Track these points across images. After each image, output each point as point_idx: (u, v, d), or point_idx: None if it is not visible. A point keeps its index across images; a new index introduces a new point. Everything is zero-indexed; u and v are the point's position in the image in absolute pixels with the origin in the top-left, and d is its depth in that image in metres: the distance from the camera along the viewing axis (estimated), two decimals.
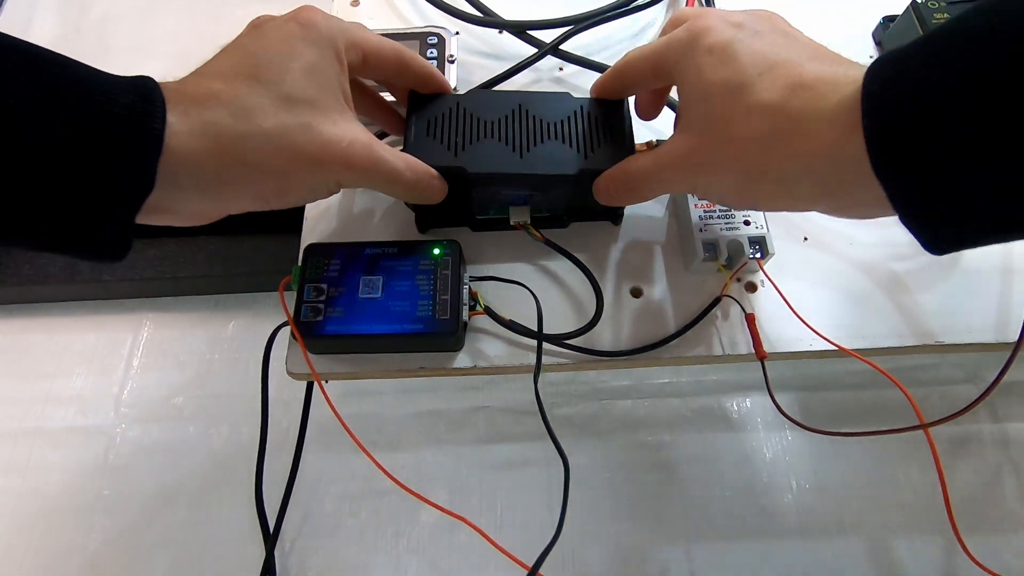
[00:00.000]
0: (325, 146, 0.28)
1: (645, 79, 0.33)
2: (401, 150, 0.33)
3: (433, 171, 0.33)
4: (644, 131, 0.39)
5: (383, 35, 0.43)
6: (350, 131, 0.29)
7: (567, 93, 0.36)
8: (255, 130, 0.26)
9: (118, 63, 0.68)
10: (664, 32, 0.31)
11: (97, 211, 0.22)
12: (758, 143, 0.26)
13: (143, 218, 0.25)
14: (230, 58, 0.28)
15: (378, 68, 0.33)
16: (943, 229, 0.22)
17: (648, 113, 0.36)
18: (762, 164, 0.26)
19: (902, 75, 0.22)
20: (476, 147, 0.34)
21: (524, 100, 0.35)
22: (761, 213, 0.36)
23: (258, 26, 0.30)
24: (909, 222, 0.23)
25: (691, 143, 0.29)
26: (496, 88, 0.43)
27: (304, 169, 0.28)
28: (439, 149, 0.33)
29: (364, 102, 0.36)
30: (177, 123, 0.24)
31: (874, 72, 0.23)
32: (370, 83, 0.36)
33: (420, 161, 0.32)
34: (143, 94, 0.24)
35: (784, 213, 0.39)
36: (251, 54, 0.27)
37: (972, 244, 0.23)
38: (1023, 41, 0.19)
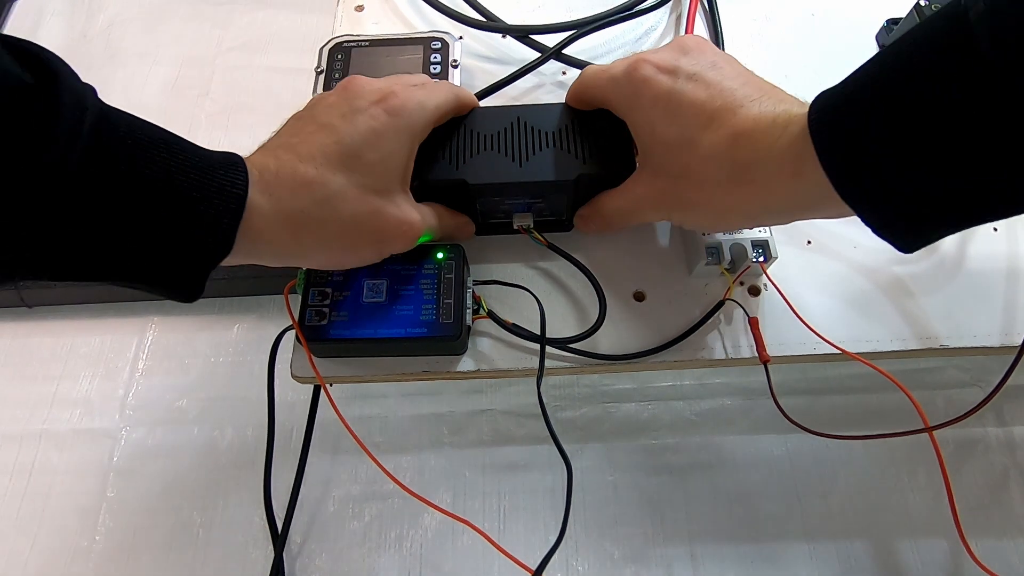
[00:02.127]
0: (388, 229, 0.31)
1: (601, 107, 0.35)
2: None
3: (464, 219, 0.37)
4: None
5: (386, 40, 0.43)
6: (408, 213, 0.32)
7: (564, 103, 0.37)
8: (335, 217, 0.29)
9: (125, 68, 0.69)
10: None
11: (182, 265, 0.26)
12: (721, 187, 0.29)
13: (225, 264, 0.28)
14: (322, 137, 0.30)
15: (443, 121, 0.36)
16: (908, 229, 0.25)
17: None
18: (728, 203, 0.30)
19: (838, 110, 0.25)
20: (476, 159, 0.34)
21: (522, 112, 0.36)
22: None
23: (350, 100, 0.31)
24: (877, 226, 0.25)
25: (660, 186, 0.32)
26: (499, 92, 0.43)
27: (366, 245, 0.32)
28: (441, 164, 0.34)
29: None
30: (266, 206, 0.27)
31: (817, 112, 0.25)
32: None
33: (448, 212, 0.36)
34: (231, 171, 0.27)
35: None
36: (342, 140, 0.30)
37: (933, 237, 0.25)
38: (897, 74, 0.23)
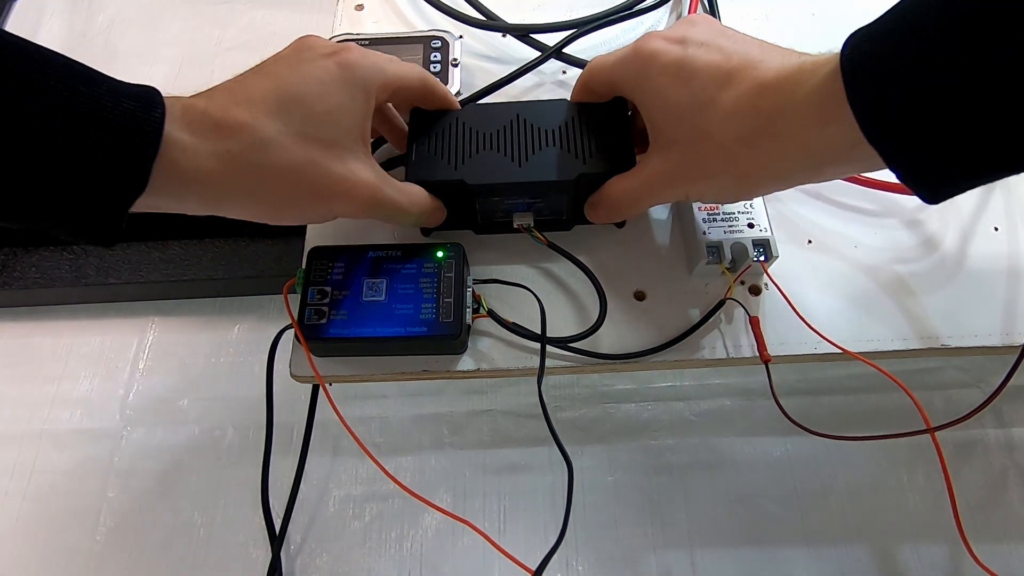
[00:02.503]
0: (328, 184, 0.29)
1: (609, 95, 0.34)
2: (404, 168, 0.35)
3: (436, 202, 0.35)
4: (641, 135, 0.39)
5: (386, 38, 0.43)
6: (357, 171, 0.30)
7: (564, 100, 0.36)
8: (266, 162, 0.28)
9: (124, 67, 0.69)
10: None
11: (91, 201, 0.24)
12: (744, 145, 0.27)
13: (141, 209, 0.26)
14: (263, 82, 0.29)
15: (404, 99, 0.35)
16: (938, 172, 0.24)
17: None
18: (752, 163, 0.28)
19: (876, 47, 0.23)
20: (475, 159, 0.34)
21: (521, 110, 0.36)
22: (765, 215, 0.36)
23: (301, 52, 0.31)
24: (906, 174, 0.24)
25: (674, 158, 0.30)
26: (499, 91, 0.43)
27: (303, 201, 0.30)
28: (440, 164, 0.34)
29: (383, 126, 0.38)
30: (190, 144, 0.26)
31: (852, 50, 0.24)
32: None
33: (424, 193, 0.34)
34: (145, 102, 0.25)
35: (787, 217, 0.39)
36: (283, 86, 0.29)
37: (964, 187, 0.24)
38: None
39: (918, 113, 0.22)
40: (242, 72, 0.30)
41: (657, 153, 0.31)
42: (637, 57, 0.30)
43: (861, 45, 0.24)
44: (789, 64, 0.27)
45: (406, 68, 0.33)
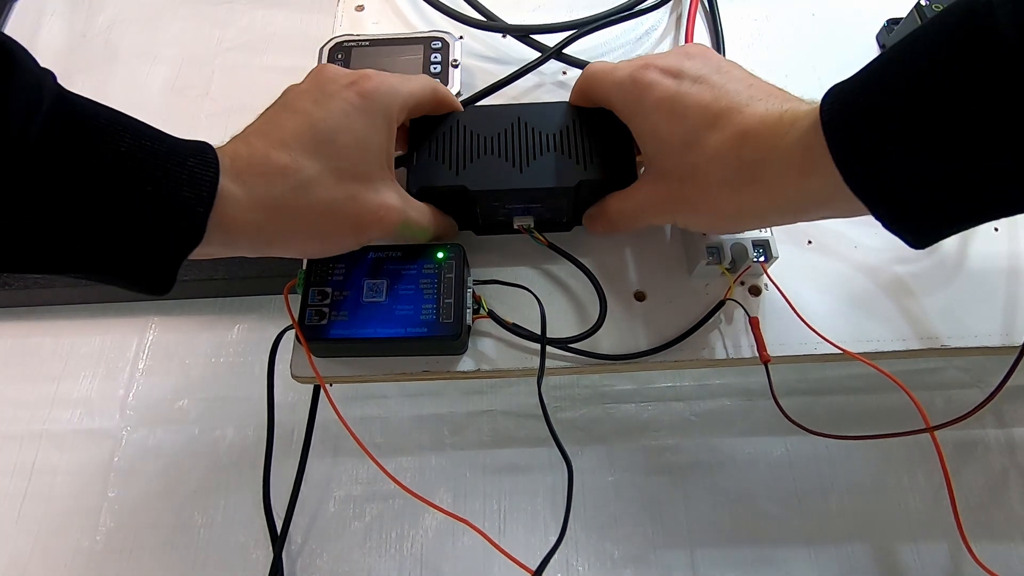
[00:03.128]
0: (366, 215, 0.31)
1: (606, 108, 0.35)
2: (406, 173, 0.35)
3: (447, 219, 0.36)
4: None
5: (386, 39, 0.43)
6: (388, 199, 0.31)
7: (564, 102, 0.36)
8: (310, 203, 0.29)
9: (125, 68, 0.69)
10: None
11: (151, 257, 0.25)
12: (728, 187, 0.29)
13: (195, 257, 0.27)
14: (293, 121, 0.30)
15: (419, 112, 0.35)
16: (921, 220, 0.24)
17: None
18: (735, 204, 0.29)
19: (854, 103, 0.24)
20: (477, 164, 0.34)
21: (522, 113, 0.36)
22: None
23: (322, 85, 0.31)
24: (891, 222, 0.25)
25: (665, 189, 0.32)
26: (499, 92, 0.43)
27: (345, 233, 0.31)
28: (441, 169, 0.34)
29: (400, 141, 0.39)
30: (240, 194, 0.27)
31: (832, 104, 0.25)
32: None
33: (439, 213, 0.35)
34: (201, 159, 0.26)
35: None
36: (315, 123, 0.29)
37: (948, 231, 0.25)
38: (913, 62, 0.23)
39: (899, 166, 0.23)
40: (266, 109, 0.31)
41: (651, 180, 0.33)
42: (634, 87, 0.31)
43: (841, 99, 0.25)
44: (772, 111, 0.27)
45: (418, 85, 0.34)
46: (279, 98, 0.32)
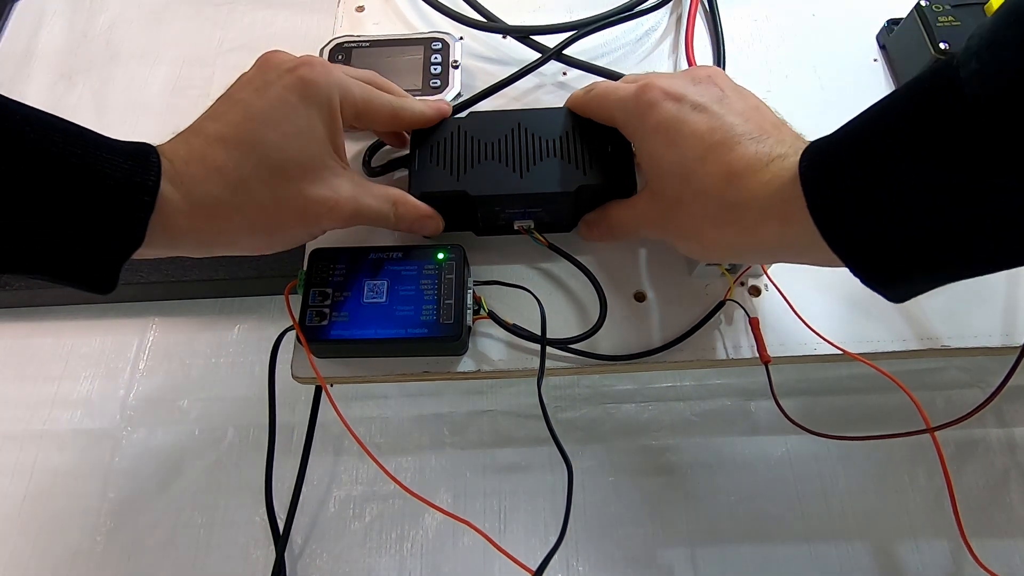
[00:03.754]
0: (312, 207, 0.30)
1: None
2: (408, 178, 0.35)
3: (428, 210, 0.35)
4: None
5: (386, 40, 0.43)
6: (337, 188, 0.31)
7: (565, 108, 0.37)
8: (250, 201, 0.28)
9: (125, 68, 0.69)
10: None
11: (92, 258, 0.25)
12: (709, 221, 0.29)
13: (137, 257, 0.27)
14: (233, 114, 0.29)
15: (372, 123, 0.35)
16: (895, 277, 0.25)
17: None
18: (716, 238, 0.29)
19: (830, 160, 0.25)
20: (477, 170, 0.35)
21: (523, 118, 0.36)
22: None
23: (265, 72, 0.31)
24: (866, 277, 0.25)
25: (659, 209, 0.32)
26: (499, 93, 0.43)
27: (291, 226, 0.30)
28: (442, 175, 0.35)
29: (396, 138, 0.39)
30: (178, 198, 0.27)
31: (808, 161, 0.26)
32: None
33: (414, 200, 0.34)
34: (141, 162, 0.26)
35: None
36: (252, 115, 0.29)
37: (922, 288, 0.25)
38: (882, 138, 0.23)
39: (872, 224, 0.24)
40: (215, 100, 0.31)
41: (648, 198, 0.33)
42: (637, 106, 0.31)
43: (819, 155, 0.25)
44: (761, 156, 0.27)
45: (370, 93, 0.33)
46: (229, 87, 0.31)
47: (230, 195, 0.28)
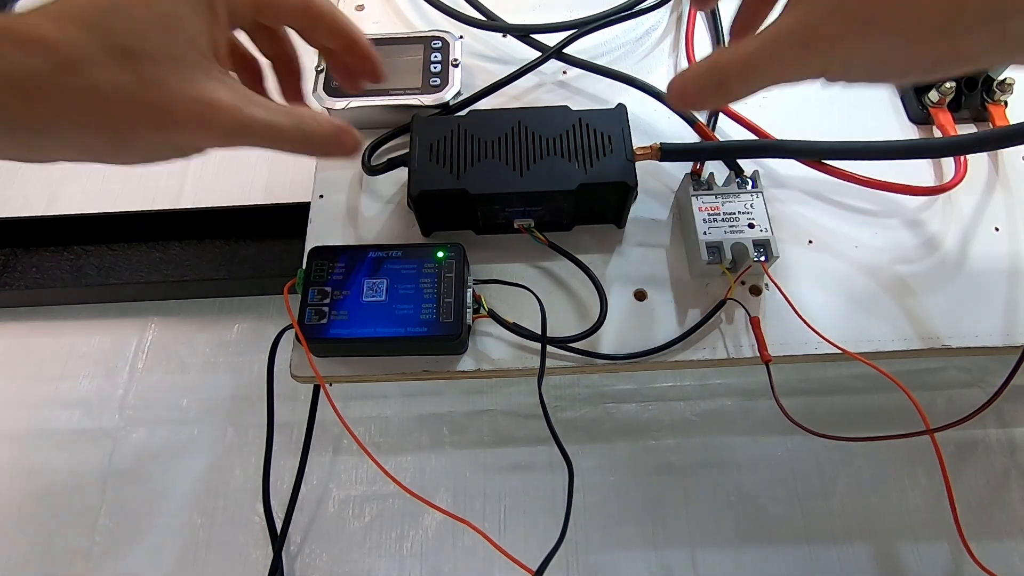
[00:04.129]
0: (170, 108, 0.24)
1: None
2: (407, 177, 0.35)
3: (341, 124, 0.28)
4: (642, 137, 0.39)
5: (386, 38, 0.43)
6: (211, 91, 0.25)
7: (566, 106, 0.37)
8: (83, 85, 0.23)
9: None
10: None
11: None
12: None
13: None
14: None
15: (279, 18, 0.29)
16: None
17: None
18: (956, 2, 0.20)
19: None
20: (477, 168, 0.35)
21: (523, 117, 0.36)
22: (765, 215, 0.36)
23: None
24: None
25: (821, 8, 0.22)
26: (499, 91, 0.43)
27: (143, 130, 0.25)
28: (442, 173, 0.35)
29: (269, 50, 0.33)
30: None
31: None
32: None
33: (325, 115, 0.28)
34: None
35: (788, 217, 0.39)
36: None
37: None
38: None
39: None
40: None
41: (792, 9, 0.23)
42: None
43: None
44: None
45: None
46: None
47: (56, 75, 0.23)
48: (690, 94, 0.26)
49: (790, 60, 0.23)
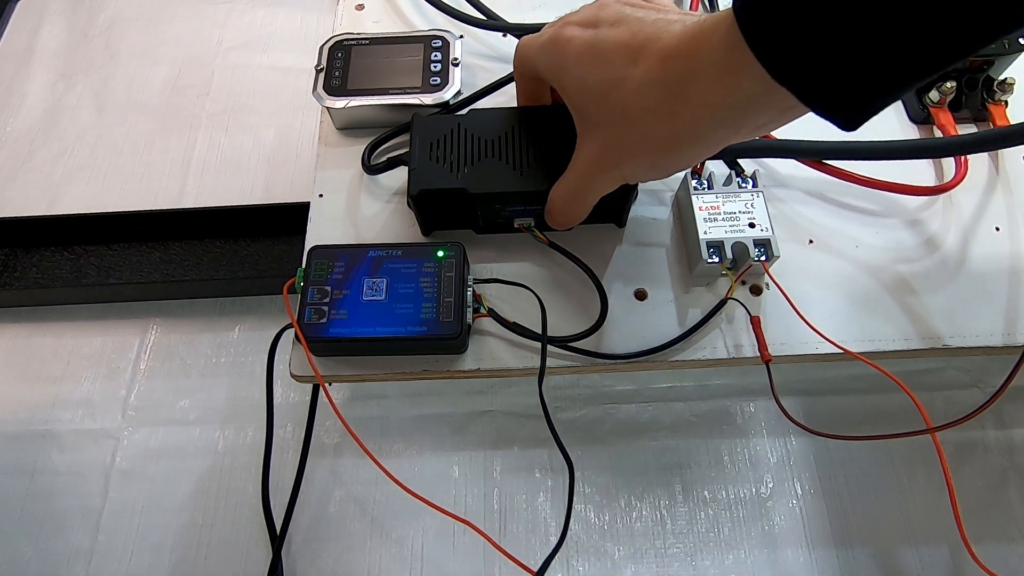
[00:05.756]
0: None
1: (538, 80, 0.35)
2: (407, 175, 0.35)
3: None
4: None
5: (386, 38, 0.43)
6: None
7: (565, 105, 0.36)
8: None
9: (125, 68, 0.69)
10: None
11: None
12: (657, 114, 0.27)
13: None
14: None
15: None
16: (849, 100, 0.23)
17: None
18: (669, 132, 0.28)
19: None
20: (477, 167, 0.35)
21: (523, 116, 0.36)
22: (766, 215, 0.36)
23: None
24: (820, 104, 0.24)
25: (599, 141, 0.30)
26: (499, 91, 0.43)
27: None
28: (442, 172, 0.35)
29: None
30: None
31: (742, 4, 0.24)
32: None
33: None
34: None
35: (788, 216, 0.39)
36: None
37: (876, 104, 0.23)
38: None
39: (815, 41, 0.22)
40: None
41: (583, 141, 0.31)
42: (555, 46, 0.31)
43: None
44: (690, 28, 0.26)
45: None
46: None
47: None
48: (557, 223, 0.35)
49: (595, 180, 0.32)
